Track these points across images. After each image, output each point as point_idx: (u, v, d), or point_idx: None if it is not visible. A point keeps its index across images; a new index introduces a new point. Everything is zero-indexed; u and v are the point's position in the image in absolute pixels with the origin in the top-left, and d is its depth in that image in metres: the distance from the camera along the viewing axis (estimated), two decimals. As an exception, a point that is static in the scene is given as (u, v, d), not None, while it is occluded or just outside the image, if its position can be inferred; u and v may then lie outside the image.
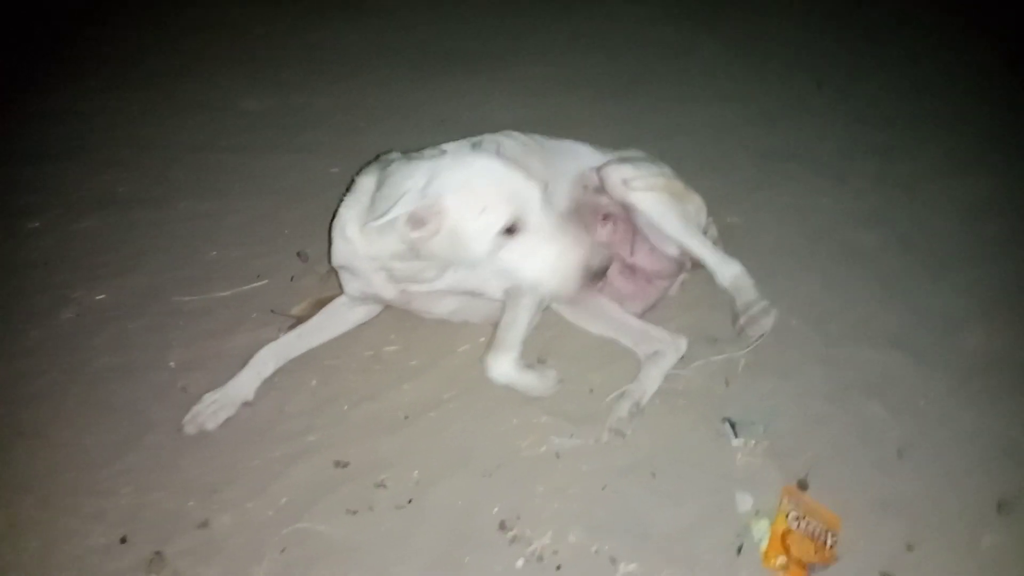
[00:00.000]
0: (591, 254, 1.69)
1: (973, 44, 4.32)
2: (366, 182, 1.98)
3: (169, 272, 2.54)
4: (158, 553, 1.78)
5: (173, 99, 3.54)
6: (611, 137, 2.43)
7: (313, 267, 2.56)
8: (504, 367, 1.98)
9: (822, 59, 4.15)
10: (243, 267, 2.56)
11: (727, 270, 2.25)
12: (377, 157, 2.10)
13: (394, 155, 2.01)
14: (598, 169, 2.29)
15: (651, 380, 2.10)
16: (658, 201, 2.23)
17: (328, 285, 2.42)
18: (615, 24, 4.51)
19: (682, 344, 2.18)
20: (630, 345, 2.22)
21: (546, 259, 1.68)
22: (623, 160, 2.31)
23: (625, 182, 2.23)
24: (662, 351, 2.15)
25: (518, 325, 2.02)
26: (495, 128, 2.35)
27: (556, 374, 2.09)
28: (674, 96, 3.70)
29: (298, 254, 2.60)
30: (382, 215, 1.69)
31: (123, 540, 1.81)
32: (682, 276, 2.40)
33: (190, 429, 2.05)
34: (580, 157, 2.38)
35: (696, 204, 2.34)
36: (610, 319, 2.26)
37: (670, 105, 3.60)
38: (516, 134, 2.32)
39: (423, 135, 3.26)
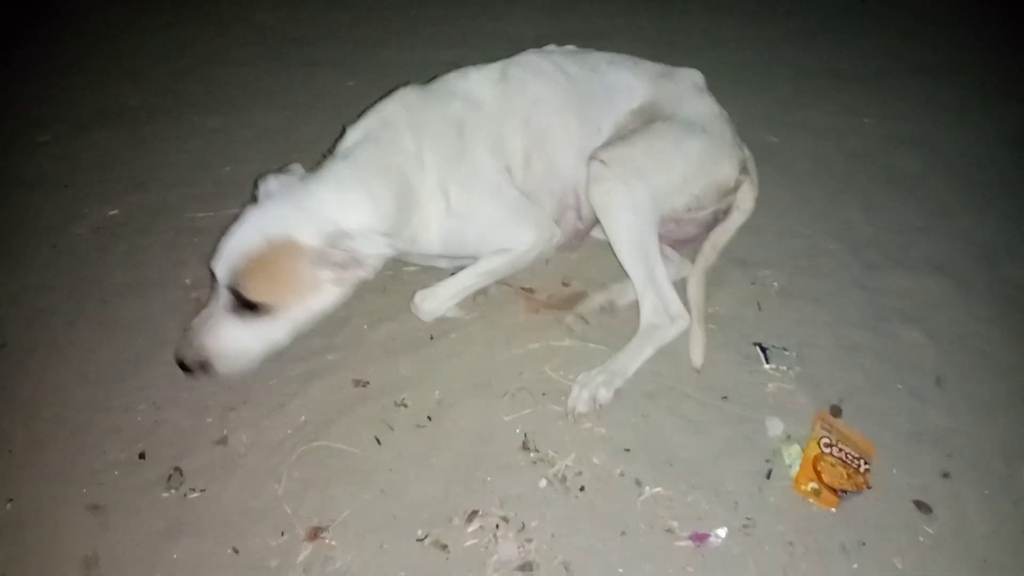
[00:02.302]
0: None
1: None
2: (344, 144, 2.01)
3: (181, 188, 2.49)
4: (177, 468, 1.77)
5: (182, 9, 3.43)
6: (640, 53, 2.29)
7: (329, 184, 2.48)
8: (432, 307, 2.02)
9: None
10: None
11: (651, 315, 1.95)
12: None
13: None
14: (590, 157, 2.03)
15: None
16: (610, 209, 1.96)
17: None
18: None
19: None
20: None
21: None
22: (620, 143, 2.02)
23: (596, 178, 1.97)
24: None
25: (464, 281, 2.03)
26: (517, 43, 2.24)
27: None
28: (709, 7, 3.54)
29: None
30: None
31: (142, 455, 1.80)
32: None
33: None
34: (619, 98, 2.13)
35: (682, 173, 2.01)
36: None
37: (704, 18, 3.45)
38: (557, 55, 2.18)
39: (442, 49, 3.14)
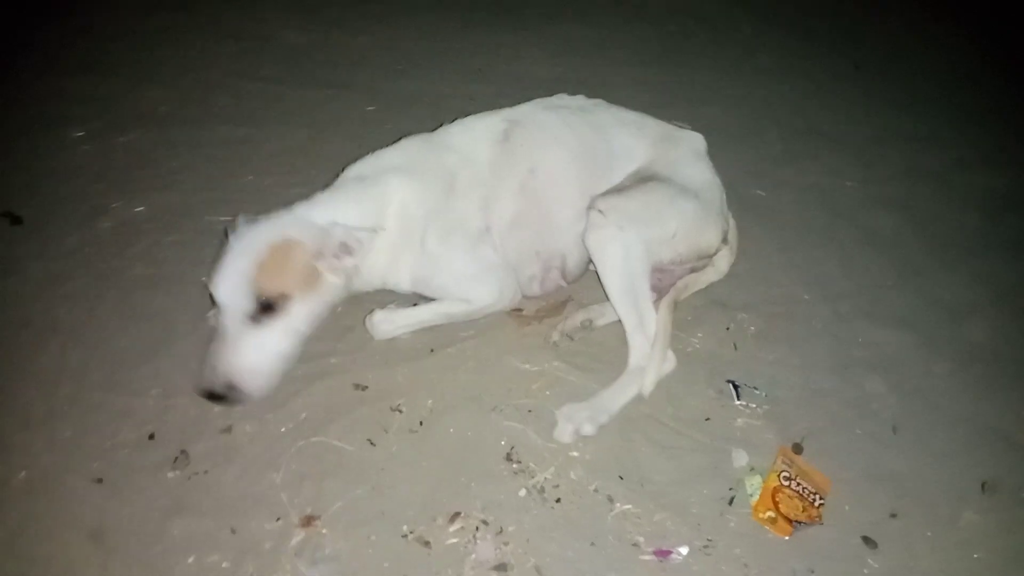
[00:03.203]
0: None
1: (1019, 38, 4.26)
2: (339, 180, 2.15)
3: (205, 192, 2.63)
4: (183, 452, 1.89)
5: (218, 25, 3.60)
6: (643, 103, 2.43)
7: (344, 201, 2.62)
8: (386, 329, 2.13)
9: (862, 41, 4.13)
10: (276, 195, 2.61)
11: (641, 358, 2.04)
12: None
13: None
14: (588, 207, 2.10)
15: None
16: (605, 254, 2.05)
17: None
18: (658, -9, 4.49)
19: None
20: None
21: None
22: (617, 195, 2.11)
23: (593, 224, 2.06)
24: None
25: (421, 316, 2.14)
26: (528, 83, 2.36)
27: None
28: (710, 66, 3.72)
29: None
30: None
31: (151, 437, 1.93)
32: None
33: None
34: (619, 166, 2.22)
35: (674, 228, 2.09)
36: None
37: (705, 75, 3.62)
38: (565, 111, 2.23)
39: (458, 83, 3.32)
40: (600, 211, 2.05)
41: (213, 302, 1.84)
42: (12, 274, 2.32)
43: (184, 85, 3.14)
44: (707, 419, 2.04)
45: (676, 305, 2.16)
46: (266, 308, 1.82)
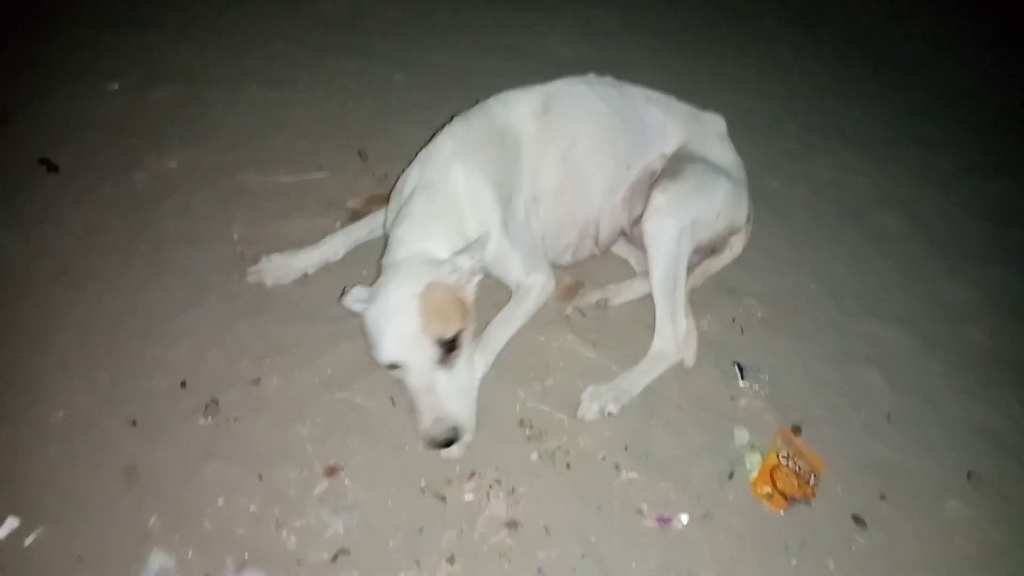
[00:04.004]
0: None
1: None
2: (409, 182, 2.07)
3: (237, 151, 2.70)
4: (214, 400, 1.98)
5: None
6: (666, 88, 2.49)
7: (371, 167, 2.70)
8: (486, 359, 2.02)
9: (883, 46, 4.17)
10: (306, 157, 2.71)
11: (665, 343, 2.13)
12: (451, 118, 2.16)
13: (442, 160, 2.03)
14: (651, 186, 2.22)
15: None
16: (660, 241, 2.13)
17: (384, 184, 2.57)
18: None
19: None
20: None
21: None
22: (675, 176, 2.20)
23: (656, 209, 2.14)
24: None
25: (508, 334, 2.09)
26: (555, 62, 2.39)
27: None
28: (733, 56, 3.77)
29: (359, 152, 2.74)
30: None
31: (183, 385, 2.02)
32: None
33: (252, 279, 2.25)
34: (652, 139, 2.31)
35: (719, 208, 2.22)
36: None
37: (728, 65, 3.68)
38: (599, 86, 2.28)
39: (486, 59, 3.37)
40: (664, 192, 2.14)
41: (392, 367, 1.82)
42: (49, 221, 2.39)
43: (218, 45, 3.18)
44: (712, 398, 2.14)
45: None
46: (450, 349, 1.81)
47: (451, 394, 1.81)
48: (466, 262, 1.84)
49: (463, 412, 1.83)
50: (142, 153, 2.64)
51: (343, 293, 1.95)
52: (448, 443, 1.80)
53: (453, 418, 1.80)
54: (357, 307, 1.87)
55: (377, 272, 1.98)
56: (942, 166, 3.25)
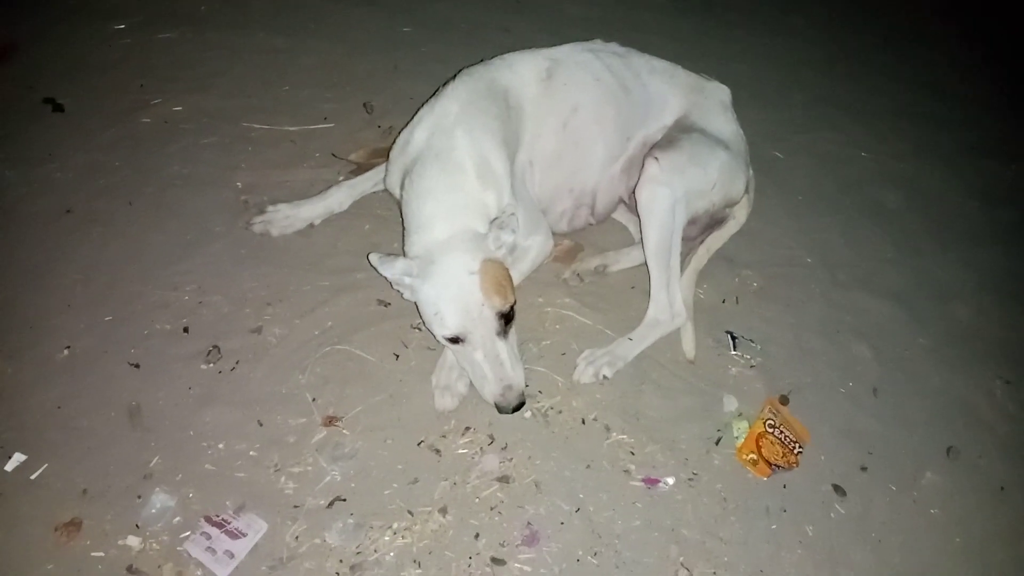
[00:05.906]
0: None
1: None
2: (414, 144, 2.03)
3: (241, 98, 2.68)
4: (216, 346, 2.02)
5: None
6: (675, 54, 2.47)
7: (376, 119, 2.69)
8: None
9: (895, 18, 4.11)
10: (311, 107, 2.70)
11: (660, 311, 2.17)
12: (455, 75, 2.12)
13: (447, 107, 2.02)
14: (646, 155, 2.18)
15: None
16: (653, 210, 2.13)
17: (387, 138, 2.56)
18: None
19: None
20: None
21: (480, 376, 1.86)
22: (670, 146, 2.18)
23: (649, 179, 2.13)
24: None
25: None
26: (563, 20, 2.33)
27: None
28: (744, 23, 3.72)
29: (364, 105, 2.73)
30: (377, 266, 1.85)
31: (185, 330, 2.05)
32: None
33: (258, 228, 2.27)
34: (653, 111, 2.30)
35: (715, 179, 2.20)
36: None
37: (738, 31, 3.64)
38: (605, 54, 2.26)
39: (494, 13, 3.33)
40: (656, 159, 2.12)
41: (454, 340, 1.83)
42: (54, 160, 2.40)
43: (224, -14, 3.14)
44: (703, 364, 2.19)
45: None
46: (508, 319, 1.85)
47: (514, 362, 1.86)
48: (508, 236, 1.87)
49: (522, 376, 1.89)
50: (147, 96, 2.63)
51: (368, 256, 1.90)
52: (518, 407, 1.86)
53: (520, 385, 1.86)
54: (406, 281, 1.86)
55: (392, 233, 1.93)
56: (943, 145, 3.24)
